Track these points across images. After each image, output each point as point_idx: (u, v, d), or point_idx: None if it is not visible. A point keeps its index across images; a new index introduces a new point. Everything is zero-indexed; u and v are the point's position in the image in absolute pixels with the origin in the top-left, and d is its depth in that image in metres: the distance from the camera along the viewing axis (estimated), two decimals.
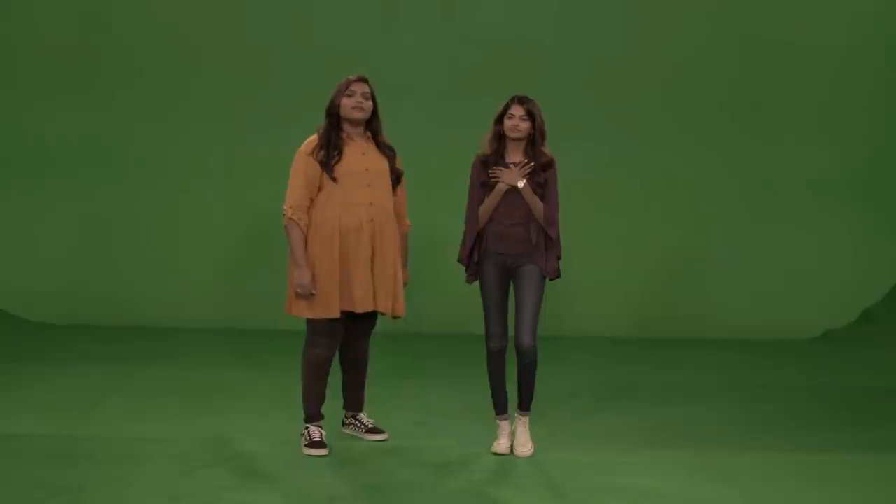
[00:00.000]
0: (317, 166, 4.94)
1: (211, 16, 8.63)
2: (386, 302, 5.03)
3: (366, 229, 4.94)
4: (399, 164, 5.16)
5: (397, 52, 8.59)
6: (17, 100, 8.58)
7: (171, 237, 8.60)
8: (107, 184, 8.60)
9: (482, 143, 5.08)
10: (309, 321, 5.01)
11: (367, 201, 4.97)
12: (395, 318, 5.15)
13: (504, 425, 5.14)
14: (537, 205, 4.97)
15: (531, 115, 4.97)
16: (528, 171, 4.94)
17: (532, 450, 5.07)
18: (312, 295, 4.90)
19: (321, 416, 5.11)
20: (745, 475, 4.83)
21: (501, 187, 4.97)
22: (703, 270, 8.77)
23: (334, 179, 4.93)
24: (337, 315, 4.94)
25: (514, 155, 5.03)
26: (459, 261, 5.13)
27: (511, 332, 5.06)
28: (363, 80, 5.05)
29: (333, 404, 5.32)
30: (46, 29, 8.57)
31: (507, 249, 5.00)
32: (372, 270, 4.97)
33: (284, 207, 4.96)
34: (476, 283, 5.12)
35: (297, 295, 4.93)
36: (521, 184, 4.94)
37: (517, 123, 4.97)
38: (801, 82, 8.78)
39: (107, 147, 8.60)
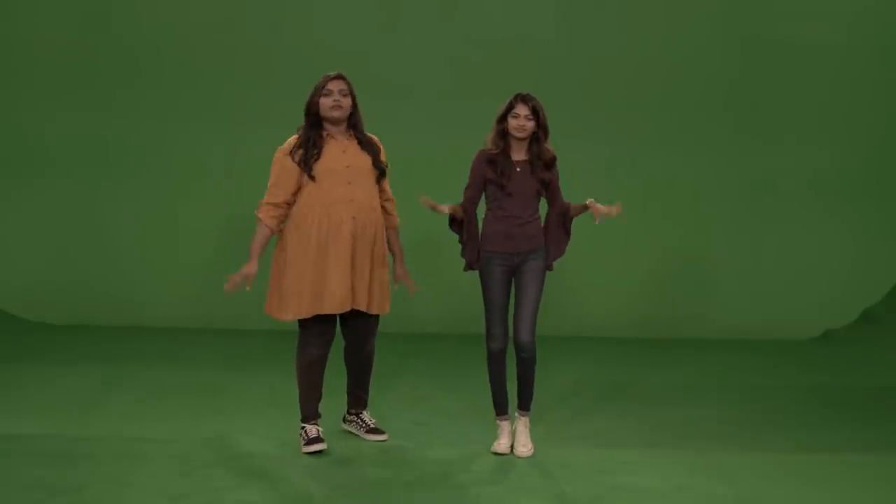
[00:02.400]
0: (294, 166, 4.94)
1: (211, 16, 8.63)
2: (362, 299, 4.99)
3: (346, 227, 4.93)
4: (384, 157, 5.13)
5: (397, 52, 8.59)
6: (17, 99, 8.57)
7: (171, 237, 8.60)
8: (107, 184, 8.59)
9: (486, 142, 5.08)
10: (300, 321, 5.01)
11: (348, 198, 4.95)
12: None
13: (504, 425, 5.14)
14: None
15: (536, 113, 4.97)
16: None
17: (532, 450, 5.07)
18: (246, 288, 5.02)
19: (318, 416, 5.12)
20: (745, 475, 4.83)
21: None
22: (703, 270, 8.77)
23: (313, 178, 4.92)
24: (305, 316, 4.94)
25: (518, 153, 5.04)
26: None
27: (510, 330, 5.07)
28: (339, 77, 5.04)
29: (332, 402, 5.32)
30: (47, 28, 8.56)
31: (516, 248, 5.00)
32: (353, 268, 4.95)
33: (259, 203, 5.03)
34: (477, 284, 5.12)
35: (235, 283, 5.00)
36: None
37: (523, 123, 4.96)
38: (801, 82, 8.78)
39: (107, 147, 8.59)
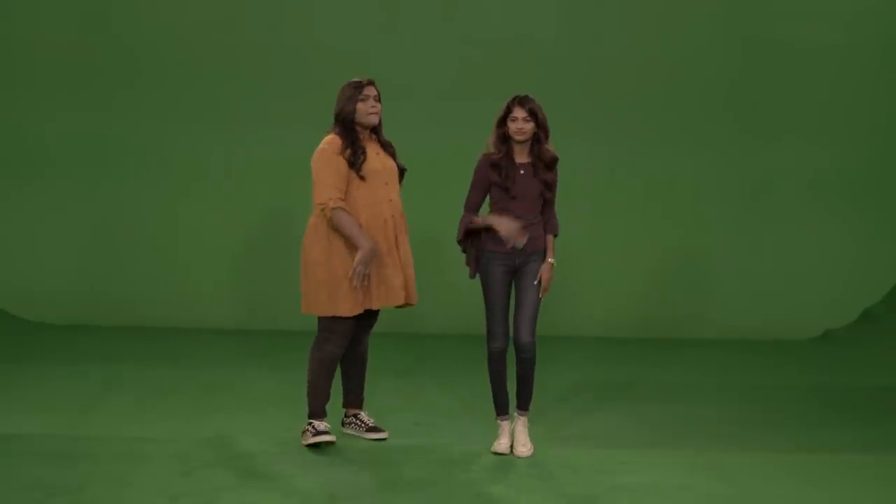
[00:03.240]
0: (345, 164, 4.95)
1: (211, 16, 8.63)
2: (412, 294, 5.15)
3: (390, 225, 5.03)
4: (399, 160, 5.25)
5: (398, 52, 8.59)
6: (17, 99, 8.57)
7: (171, 237, 8.60)
8: (107, 184, 8.59)
9: (487, 145, 5.08)
10: (326, 320, 5.00)
11: (388, 198, 5.05)
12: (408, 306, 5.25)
13: (505, 425, 5.14)
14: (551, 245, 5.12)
15: (534, 115, 4.96)
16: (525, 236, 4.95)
17: (532, 450, 5.07)
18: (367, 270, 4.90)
19: (325, 414, 5.13)
20: (745, 474, 4.83)
21: (493, 225, 4.95)
22: (703, 270, 8.77)
23: (362, 178, 4.96)
24: (374, 307, 5.02)
25: (521, 155, 5.03)
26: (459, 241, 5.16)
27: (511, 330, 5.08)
28: (373, 83, 5.12)
29: (333, 404, 5.31)
30: (47, 28, 8.57)
31: (517, 249, 5.00)
32: (401, 265, 5.08)
33: (322, 200, 4.91)
34: (478, 284, 5.13)
35: (361, 273, 4.85)
36: (520, 244, 4.93)
37: (521, 126, 4.95)
38: (801, 82, 8.78)
39: (107, 147, 8.59)
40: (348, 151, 4.96)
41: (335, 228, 4.93)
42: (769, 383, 6.95)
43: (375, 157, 5.06)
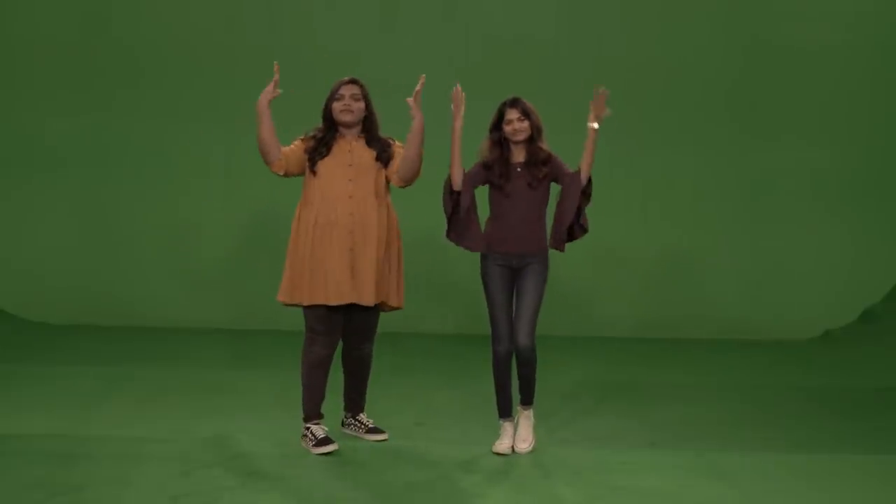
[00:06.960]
0: (301, 146, 5.10)
1: (211, 16, 8.64)
2: (369, 295, 4.98)
3: (344, 223, 4.97)
4: (396, 147, 5.17)
5: (397, 52, 8.59)
6: (17, 99, 8.58)
7: (171, 237, 8.61)
8: (107, 183, 8.60)
9: (480, 150, 5.10)
10: (306, 318, 5.03)
11: (347, 195, 5.00)
12: (392, 309, 5.19)
13: (507, 426, 5.14)
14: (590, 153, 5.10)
15: (527, 114, 5.01)
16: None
17: (532, 444, 5.08)
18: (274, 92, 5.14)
19: (321, 416, 5.12)
20: (745, 475, 4.83)
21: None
22: (703, 270, 8.77)
23: (314, 173, 5.02)
24: (308, 303, 4.97)
25: (518, 155, 5.06)
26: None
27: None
28: (352, 82, 5.12)
29: (333, 403, 5.32)
30: (47, 29, 8.57)
31: (514, 249, 5.01)
32: (354, 264, 4.97)
33: None
34: (478, 283, 5.13)
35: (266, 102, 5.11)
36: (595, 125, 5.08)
37: (517, 127, 5.01)
38: (801, 82, 8.79)
39: (107, 147, 8.60)
40: (312, 143, 5.09)
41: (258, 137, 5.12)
42: (769, 383, 6.95)
43: (345, 155, 5.06)
